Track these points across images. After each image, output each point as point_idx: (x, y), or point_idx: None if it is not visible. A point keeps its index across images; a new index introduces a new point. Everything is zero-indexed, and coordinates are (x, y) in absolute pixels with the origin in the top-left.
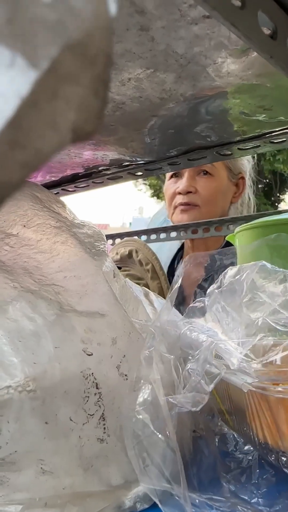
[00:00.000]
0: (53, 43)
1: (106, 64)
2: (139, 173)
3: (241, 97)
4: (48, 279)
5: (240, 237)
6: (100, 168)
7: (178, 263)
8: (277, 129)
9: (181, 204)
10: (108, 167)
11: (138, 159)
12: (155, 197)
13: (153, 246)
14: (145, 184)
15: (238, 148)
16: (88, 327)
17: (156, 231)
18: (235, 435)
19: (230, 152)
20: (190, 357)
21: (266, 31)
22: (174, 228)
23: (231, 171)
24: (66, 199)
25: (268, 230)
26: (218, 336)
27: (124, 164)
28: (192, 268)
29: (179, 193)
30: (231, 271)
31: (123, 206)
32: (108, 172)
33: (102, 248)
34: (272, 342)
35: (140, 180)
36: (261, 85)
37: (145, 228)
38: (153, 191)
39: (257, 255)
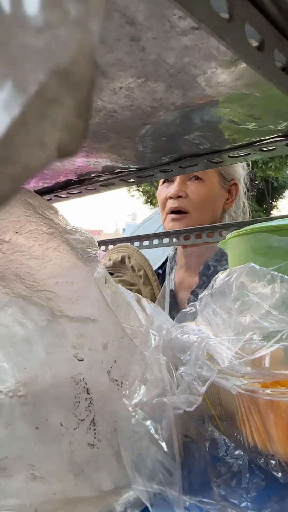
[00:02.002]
0: (41, 69)
1: (89, 89)
2: (131, 180)
3: (231, 106)
4: (40, 285)
5: (231, 243)
6: (92, 175)
7: (171, 269)
8: (266, 138)
9: (172, 210)
10: (100, 174)
11: (130, 166)
12: (148, 204)
13: (146, 252)
14: (139, 190)
15: (229, 156)
16: (79, 333)
17: (149, 237)
18: (226, 440)
19: (221, 160)
20: (182, 358)
21: (254, 43)
22: (167, 234)
23: (223, 177)
24: (60, 205)
25: (259, 236)
26: (209, 336)
27: (116, 171)
28: (186, 275)
29: (170, 198)
30: (221, 275)
31: (117, 212)
32: (101, 179)
33: (94, 254)
34: (260, 343)
35: (133, 186)
36: (250, 94)
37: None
38: (146, 198)
39: (244, 257)
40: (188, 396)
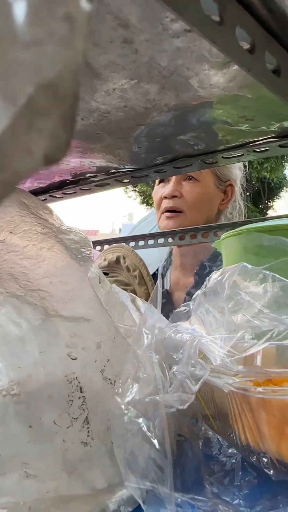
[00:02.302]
0: (29, 82)
1: (74, 102)
2: (126, 180)
3: (224, 107)
4: (34, 285)
5: (225, 243)
6: (87, 175)
7: (167, 269)
8: (259, 139)
9: (167, 209)
10: (95, 174)
11: (125, 166)
12: (144, 204)
13: (142, 252)
14: (135, 190)
15: (223, 157)
16: (73, 332)
17: (144, 237)
18: (220, 439)
19: (215, 161)
20: (175, 357)
21: (245, 46)
22: (162, 234)
23: (218, 178)
24: (56, 205)
25: (250, 236)
26: (202, 335)
27: (111, 171)
28: (181, 275)
29: (165, 198)
30: (215, 275)
31: (113, 212)
32: (96, 179)
33: (88, 254)
34: (252, 341)
35: (129, 186)
36: (242, 96)
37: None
38: (142, 198)
39: (237, 257)
40: (180, 395)
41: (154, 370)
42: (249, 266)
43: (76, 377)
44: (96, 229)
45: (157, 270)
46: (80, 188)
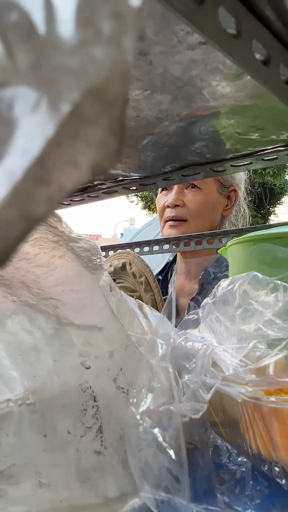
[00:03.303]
0: (75, 88)
1: (123, 108)
2: (134, 188)
3: (235, 117)
4: (46, 293)
5: (231, 250)
6: (95, 183)
7: (171, 275)
8: (268, 147)
9: (170, 218)
10: (103, 182)
11: (133, 174)
12: (146, 209)
13: (146, 258)
14: (137, 196)
15: (231, 165)
16: (85, 341)
17: (149, 243)
18: (229, 447)
19: (223, 169)
20: (187, 366)
21: (260, 58)
22: (167, 240)
23: (221, 184)
24: (62, 209)
25: (264, 247)
26: (213, 344)
27: (119, 179)
28: (186, 281)
29: (168, 206)
30: (223, 283)
31: (115, 217)
32: (103, 187)
33: (98, 262)
34: (265, 351)
35: None
36: (253, 106)
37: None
38: (144, 203)
39: (246, 266)
40: (194, 404)
41: (168, 380)
42: (260, 275)
43: (90, 386)
44: (98, 234)
45: (159, 273)
46: (87, 195)
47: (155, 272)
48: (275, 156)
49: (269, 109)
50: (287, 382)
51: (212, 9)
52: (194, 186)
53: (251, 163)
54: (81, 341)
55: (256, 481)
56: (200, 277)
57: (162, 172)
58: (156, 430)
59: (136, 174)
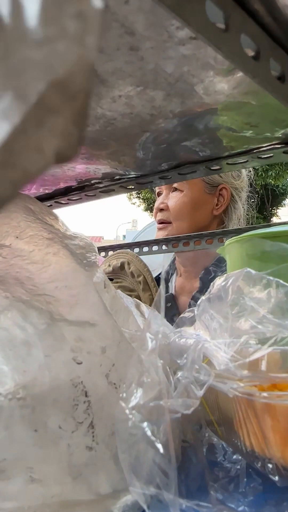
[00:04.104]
0: (40, 80)
1: (85, 100)
2: (131, 186)
3: (229, 114)
4: (39, 289)
5: (229, 249)
6: (92, 181)
7: (172, 275)
8: (264, 145)
9: (158, 221)
10: (100, 181)
11: (130, 172)
12: (148, 211)
13: (147, 258)
14: (139, 197)
15: (227, 163)
16: (78, 336)
17: (148, 243)
18: (224, 445)
19: (219, 167)
20: (178, 361)
21: (250, 53)
22: (166, 240)
23: (207, 184)
24: (62, 211)
25: (253, 242)
26: (206, 339)
27: (116, 177)
28: (186, 281)
29: (157, 211)
30: (218, 280)
31: (117, 219)
32: (101, 186)
33: (93, 259)
34: (256, 346)
35: (134, 193)
36: (247, 102)
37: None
38: (146, 205)
39: (240, 262)
40: (185, 400)
41: (158, 374)
42: (253, 271)
43: (81, 382)
44: (100, 236)
45: (160, 273)
46: (85, 194)
47: (157, 272)
48: (271, 154)
49: (262, 106)
50: (279, 378)
51: (200, 2)
52: (175, 189)
53: (247, 161)
54: (73, 337)
55: (250, 478)
56: (201, 276)
57: (159, 171)
58: (144, 425)
59: (133, 173)
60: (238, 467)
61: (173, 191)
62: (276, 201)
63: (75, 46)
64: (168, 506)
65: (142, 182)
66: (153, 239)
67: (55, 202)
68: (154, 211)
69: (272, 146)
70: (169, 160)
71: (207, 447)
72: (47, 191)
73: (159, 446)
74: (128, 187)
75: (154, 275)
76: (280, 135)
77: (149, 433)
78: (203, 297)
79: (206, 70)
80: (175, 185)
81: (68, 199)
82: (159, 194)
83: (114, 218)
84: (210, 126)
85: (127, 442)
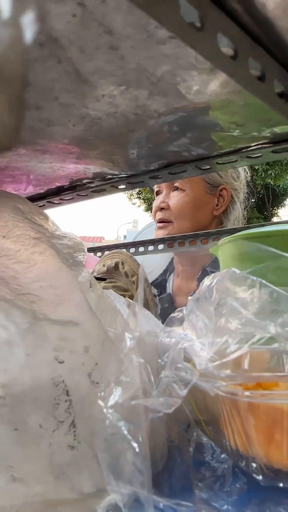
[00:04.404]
0: None
1: (21, 86)
2: (122, 186)
3: (213, 113)
4: (24, 289)
5: (223, 249)
6: (84, 181)
7: (169, 275)
8: (252, 145)
9: (158, 220)
10: (92, 180)
11: (121, 172)
12: (149, 211)
13: (145, 259)
14: (139, 198)
15: (217, 163)
16: (61, 336)
17: (144, 243)
18: (213, 445)
19: (208, 166)
20: (159, 361)
21: (228, 52)
22: (161, 240)
23: (208, 184)
24: (63, 212)
25: (237, 244)
26: (191, 339)
27: (107, 177)
28: (183, 281)
29: (157, 210)
30: (206, 280)
31: (118, 219)
32: (92, 185)
33: (80, 259)
34: (236, 346)
35: (134, 194)
36: (231, 101)
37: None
38: (147, 205)
39: (226, 263)
40: (166, 399)
41: (136, 373)
42: (237, 271)
43: (63, 380)
44: (101, 236)
45: (157, 277)
46: (77, 194)
47: (157, 274)
48: (260, 154)
49: (246, 106)
50: (263, 377)
51: (173, 2)
52: (177, 188)
53: (236, 160)
54: (56, 336)
55: (236, 477)
56: (198, 276)
57: (149, 170)
58: (121, 424)
59: (124, 172)
60: (226, 466)
61: (173, 190)
62: (277, 201)
63: (7, 30)
64: (143, 504)
65: (133, 182)
66: (149, 239)
67: (48, 202)
68: (154, 210)
69: (260, 146)
70: (158, 160)
71: (196, 447)
72: (39, 191)
73: (135, 445)
74: (119, 187)
75: (151, 276)
76: (268, 135)
77: (125, 432)
78: (189, 297)
79: (188, 69)
80: (176, 184)
81: (60, 199)
82: (158, 193)
83: (115, 219)
84: (197, 126)
85: (105, 441)
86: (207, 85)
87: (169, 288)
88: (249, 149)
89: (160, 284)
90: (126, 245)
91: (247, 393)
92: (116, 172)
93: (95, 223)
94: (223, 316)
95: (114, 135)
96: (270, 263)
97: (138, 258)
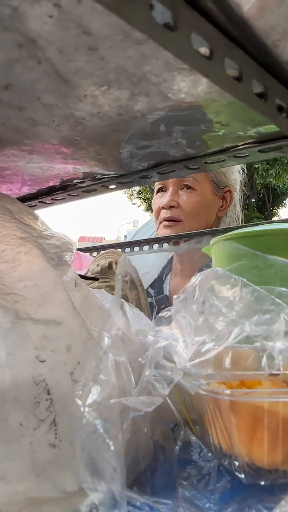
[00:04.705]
0: None
1: None
2: (113, 186)
3: (197, 113)
4: (8, 288)
5: (215, 248)
6: (74, 181)
7: (166, 275)
8: (239, 144)
9: (165, 219)
10: (82, 180)
11: (110, 172)
12: (149, 211)
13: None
14: (140, 198)
15: (205, 162)
16: (43, 335)
17: (139, 243)
18: (201, 444)
19: (197, 166)
20: (140, 359)
21: (204, 52)
22: (157, 240)
23: (215, 185)
24: (63, 212)
25: (242, 242)
26: (178, 339)
27: (97, 177)
28: (181, 281)
29: (164, 208)
30: (193, 279)
31: (118, 219)
32: (83, 185)
33: (66, 258)
34: (215, 344)
35: (134, 194)
36: (214, 101)
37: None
38: (147, 205)
39: (214, 263)
40: (147, 397)
41: (113, 372)
42: (220, 270)
43: (44, 379)
44: (101, 236)
45: (156, 277)
46: (68, 194)
47: (149, 276)
48: (247, 154)
49: (229, 105)
50: (246, 375)
51: (143, 2)
52: (189, 187)
53: (224, 160)
54: (38, 335)
55: (220, 476)
56: (195, 276)
57: (138, 170)
58: (97, 422)
59: (113, 172)
60: (212, 465)
61: (182, 188)
62: (277, 201)
63: None
64: (117, 500)
65: (123, 182)
66: (144, 238)
67: (40, 202)
68: (157, 207)
69: (247, 145)
70: (147, 160)
71: (183, 446)
72: (33, 191)
73: (111, 443)
74: (110, 187)
75: (148, 277)
76: (254, 134)
77: (101, 430)
78: (175, 296)
79: (168, 70)
80: (187, 182)
81: (52, 199)
82: (160, 190)
83: (115, 219)
84: (182, 125)
85: (82, 440)
86: (188, 84)
87: (166, 289)
88: (236, 148)
89: (157, 284)
90: (122, 245)
91: (228, 391)
92: (106, 172)
93: (96, 223)
94: (206, 314)
95: (99, 135)
96: (246, 262)
97: (135, 258)
